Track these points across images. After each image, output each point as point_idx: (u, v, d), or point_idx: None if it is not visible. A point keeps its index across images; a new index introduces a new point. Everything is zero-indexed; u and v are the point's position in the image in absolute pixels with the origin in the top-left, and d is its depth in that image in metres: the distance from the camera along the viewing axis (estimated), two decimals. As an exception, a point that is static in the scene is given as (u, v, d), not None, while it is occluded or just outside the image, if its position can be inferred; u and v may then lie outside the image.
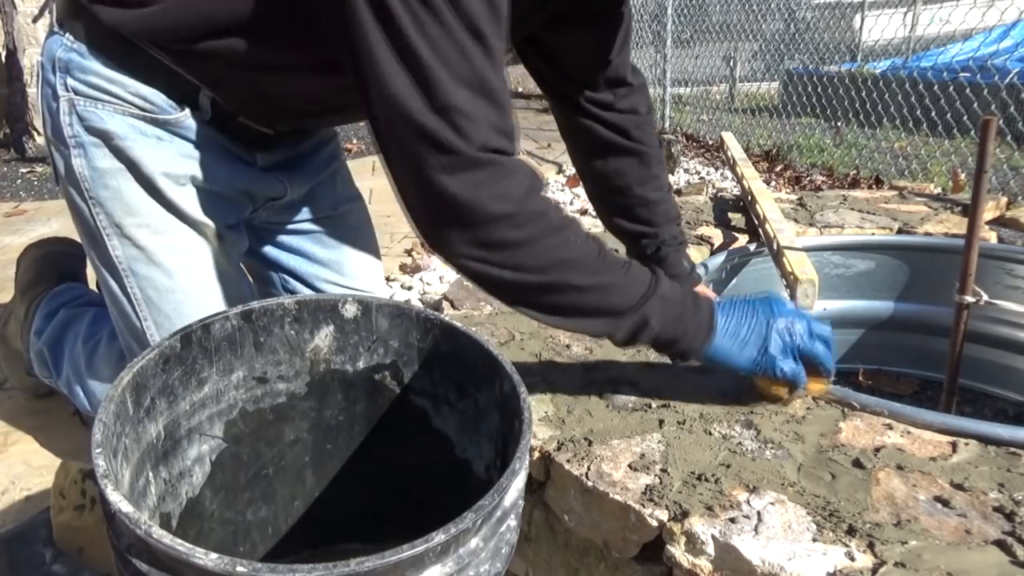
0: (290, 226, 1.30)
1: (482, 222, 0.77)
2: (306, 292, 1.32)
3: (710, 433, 0.91)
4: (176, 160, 1.04)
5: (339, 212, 1.33)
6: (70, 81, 1.00)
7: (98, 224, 1.05)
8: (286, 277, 1.33)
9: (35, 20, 4.27)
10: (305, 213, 1.29)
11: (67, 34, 1.00)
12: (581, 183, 1.28)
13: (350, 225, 1.36)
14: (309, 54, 0.93)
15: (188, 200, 1.06)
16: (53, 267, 1.56)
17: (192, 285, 1.08)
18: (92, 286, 1.62)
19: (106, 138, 1.01)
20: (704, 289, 1.23)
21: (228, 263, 1.15)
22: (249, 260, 1.29)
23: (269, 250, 1.31)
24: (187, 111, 1.03)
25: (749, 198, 1.83)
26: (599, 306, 0.83)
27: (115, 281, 1.08)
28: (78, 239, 1.16)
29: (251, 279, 1.30)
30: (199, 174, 1.06)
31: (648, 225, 1.20)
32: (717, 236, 1.71)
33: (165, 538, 0.49)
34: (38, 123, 4.33)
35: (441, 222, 0.79)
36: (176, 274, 1.07)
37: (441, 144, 0.75)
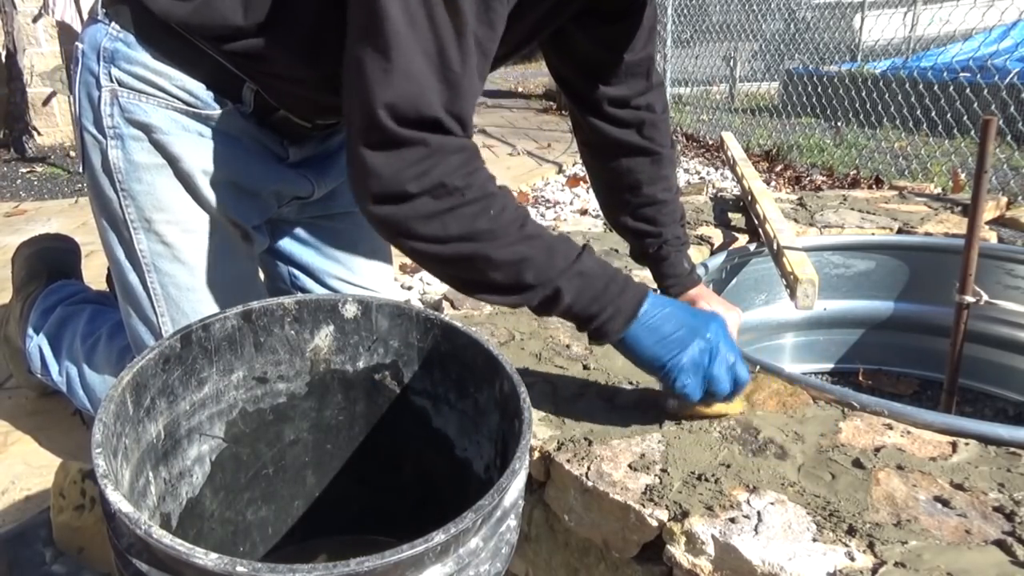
0: (307, 220, 1.30)
1: (400, 199, 0.78)
2: (313, 289, 1.33)
3: (710, 433, 0.91)
4: (215, 157, 1.04)
5: (357, 209, 1.34)
6: (115, 71, 0.99)
7: (126, 217, 1.04)
8: (295, 272, 1.33)
9: (35, 20, 4.27)
10: (324, 208, 1.29)
11: (112, 22, 0.99)
12: (586, 180, 1.27)
13: (366, 223, 1.36)
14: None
15: (222, 199, 1.06)
16: (44, 264, 1.56)
17: (213, 285, 1.09)
18: (88, 282, 1.63)
19: (148, 131, 1.01)
20: (704, 290, 1.23)
21: (251, 265, 1.15)
22: (261, 254, 1.29)
23: (283, 242, 1.31)
24: (229, 106, 1.03)
25: (749, 198, 1.83)
26: (509, 282, 0.83)
27: (136, 275, 1.08)
28: (75, 236, 1.15)
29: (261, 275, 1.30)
30: (236, 172, 1.06)
31: (653, 225, 1.20)
32: (717, 236, 1.71)
33: (165, 538, 0.49)
34: (38, 123, 4.33)
35: (362, 192, 0.80)
36: (199, 272, 1.07)
37: (373, 116, 0.75)
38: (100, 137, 1.02)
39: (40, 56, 4.30)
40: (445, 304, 1.34)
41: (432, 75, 0.76)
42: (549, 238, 0.84)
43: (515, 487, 0.62)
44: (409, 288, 2.33)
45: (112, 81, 1.00)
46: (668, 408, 0.94)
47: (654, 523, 0.77)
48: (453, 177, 0.78)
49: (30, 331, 1.45)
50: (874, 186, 3.19)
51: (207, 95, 1.01)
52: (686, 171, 3.92)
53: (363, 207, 0.81)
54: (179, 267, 1.07)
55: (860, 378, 1.74)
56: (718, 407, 0.93)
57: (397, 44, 0.75)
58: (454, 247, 0.80)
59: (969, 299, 1.33)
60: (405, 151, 0.77)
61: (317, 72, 0.98)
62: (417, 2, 0.74)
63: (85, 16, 3.72)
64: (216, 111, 1.02)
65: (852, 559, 0.69)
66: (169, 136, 1.01)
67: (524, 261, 0.82)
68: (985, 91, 3.55)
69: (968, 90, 3.57)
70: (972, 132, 3.41)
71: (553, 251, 0.84)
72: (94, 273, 1.98)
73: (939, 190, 2.35)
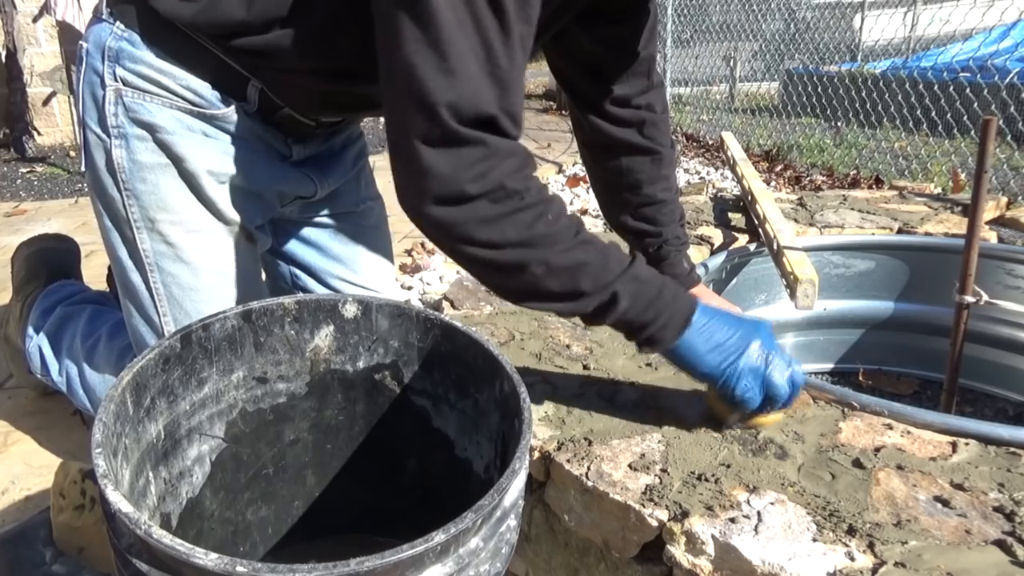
0: (309, 220, 1.30)
1: (459, 200, 0.77)
2: (315, 289, 1.33)
3: (710, 433, 0.91)
4: (219, 157, 1.04)
5: (360, 209, 1.34)
6: (119, 71, 1.00)
7: (130, 217, 1.05)
8: (297, 272, 1.33)
9: (35, 20, 4.27)
10: (327, 208, 1.30)
11: (117, 21, 1.00)
12: (586, 180, 1.28)
13: (368, 224, 1.37)
14: (353, 54, 0.93)
15: (226, 199, 1.06)
16: (43, 264, 1.57)
17: (216, 285, 1.09)
18: (88, 282, 1.63)
19: (152, 131, 1.01)
20: (704, 290, 1.23)
21: (253, 265, 1.15)
22: (263, 253, 1.29)
23: (285, 242, 1.31)
24: (233, 106, 1.03)
25: (749, 198, 1.83)
26: (565, 289, 0.82)
27: (139, 274, 1.08)
28: (75, 236, 1.15)
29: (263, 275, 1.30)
30: (240, 172, 1.06)
31: (653, 224, 1.20)
32: (717, 236, 1.71)
33: (165, 538, 0.49)
34: (38, 123, 4.33)
35: (418, 193, 0.78)
36: (202, 273, 1.08)
37: (433, 114, 0.75)
38: (104, 136, 1.02)
39: (40, 56, 4.30)
40: (445, 304, 1.34)
41: (483, 75, 0.76)
42: (602, 244, 0.84)
43: (515, 487, 0.62)
44: (409, 288, 2.33)
45: (117, 80, 1.00)
46: (728, 423, 0.91)
47: (654, 523, 0.77)
48: (512, 180, 0.78)
49: (30, 331, 1.45)
50: (874, 186, 3.19)
51: (212, 94, 1.01)
52: (686, 171, 3.92)
53: (418, 209, 0.79)
54: (182, 267, 1.07)
55: (860, 378, 1.74)
56: (774, 415, 0.90)
57: (452, 44, 0.74)
58: (511, 253, 0.79)
59: (969, 299, 1.33)
60: (465, 150, 0.76)
61: (324, 65, 0.98)
62: (462, 2, 0.74)
63: (86, 15, 3.73)
64: (221, 110, 1.02)
65: (852, 559, 0.69)
66: (174, 136, 1.01)
67: (581, 267, 0.81)
68: (985, 91, 3.55)
69: (968, 90, 3.57)
70: (972, 132, 3.41)
71: (608, 256, 0.84)
72: (94, 273, 1.98)
73: (939, 190, 2.35)
